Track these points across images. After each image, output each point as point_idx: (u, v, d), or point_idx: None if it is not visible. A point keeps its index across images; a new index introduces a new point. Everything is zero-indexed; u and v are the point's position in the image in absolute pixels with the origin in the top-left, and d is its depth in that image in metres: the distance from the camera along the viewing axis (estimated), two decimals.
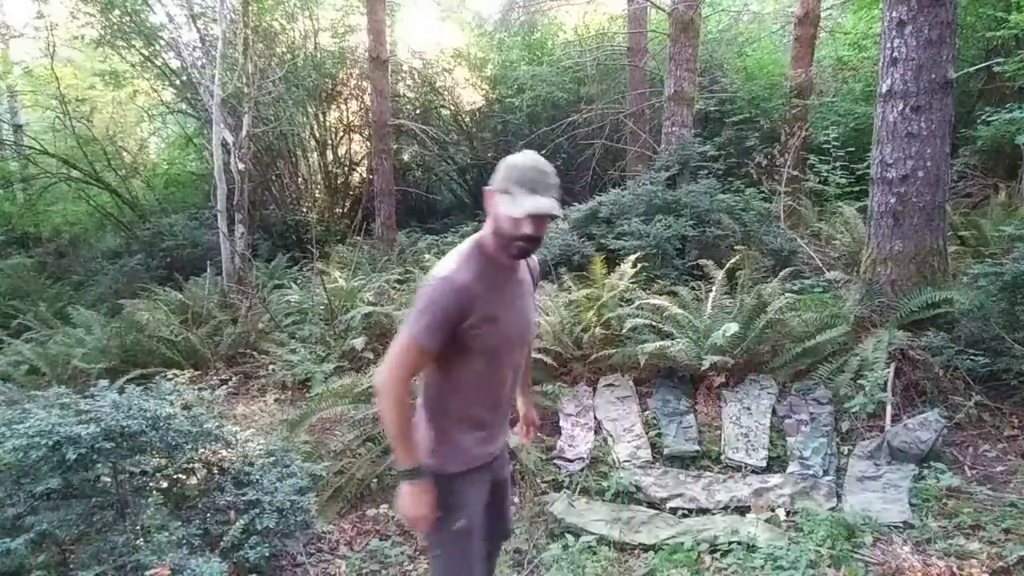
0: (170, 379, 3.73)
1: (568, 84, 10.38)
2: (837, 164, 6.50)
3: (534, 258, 1.97)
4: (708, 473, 3.57)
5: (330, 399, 4.09)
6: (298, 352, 5.30)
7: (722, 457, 3.66)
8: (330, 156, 11.73)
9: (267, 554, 2.77)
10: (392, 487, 3.53)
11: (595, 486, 3.53)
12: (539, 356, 4.23)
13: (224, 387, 4.13)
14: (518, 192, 1.62)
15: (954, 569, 2.60)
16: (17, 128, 12.05)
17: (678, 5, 7.20)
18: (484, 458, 1.88)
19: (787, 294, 4.45)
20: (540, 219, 1.66)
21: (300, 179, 11.54)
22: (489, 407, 1.85)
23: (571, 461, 3.74)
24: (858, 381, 3.74)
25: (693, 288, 4.90)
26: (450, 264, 1.70)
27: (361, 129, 11.77)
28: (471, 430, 1.83)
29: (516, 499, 3.47)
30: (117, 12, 9.66)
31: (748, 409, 3.90)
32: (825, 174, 6.61)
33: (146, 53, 10.16)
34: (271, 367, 5.32)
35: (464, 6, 14.16)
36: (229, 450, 3.11)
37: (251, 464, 3.10)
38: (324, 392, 4.20)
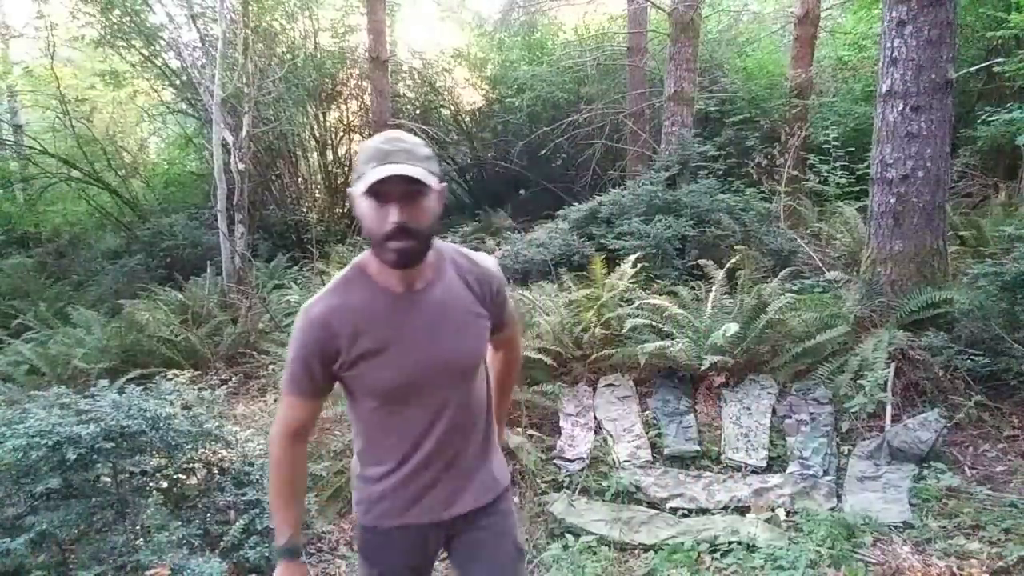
0: (170, 379, 3.73)
1: (568, 84, 10.38)
2: (837, 164, 6.50)
3: (484, 266, 1.52)
4: (708, 473, 3.57)
5: (330, 399, 4.07)
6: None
7: (722, 457, 3.66)
8: (330, 156, 11.73)
9: (267, 554, 2.77)
10: None
11: (595, 486, 3.53)
12: (539, 356, 4.23)
13: (224, 387, 4.13)
14: (364, 171, 1.27)
15: (954, 569, 2.60)
16: (17, 128, 12.04)
17: (678, 5, 7.20)
18: (415, 518, 1.49)
19: (787, 294, 4.45)
20: (403, 202, 1.27)
21: (300, 179, 11.54)
22: (407, 457, 1.45)
23: (571, 461, 3.74)
24: (858, 381, 3.74)
25: (693, 288, 4.90)
26: (321, 292, 1.42)
27: (361, 129, 11.76)
28: (384, 480, 1.47)
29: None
30: (117, 12, 9.65)
31: (748, 409, 3.90)
32: (825, 174, 6.61)
33: (146, 53, 10.16)
34: (271, 367, 5.31)
35: (464, 6, 14.17)
36: (229, 450, 3.11)
37: (251, 464, 3.10)
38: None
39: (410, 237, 1.28)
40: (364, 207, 1.29)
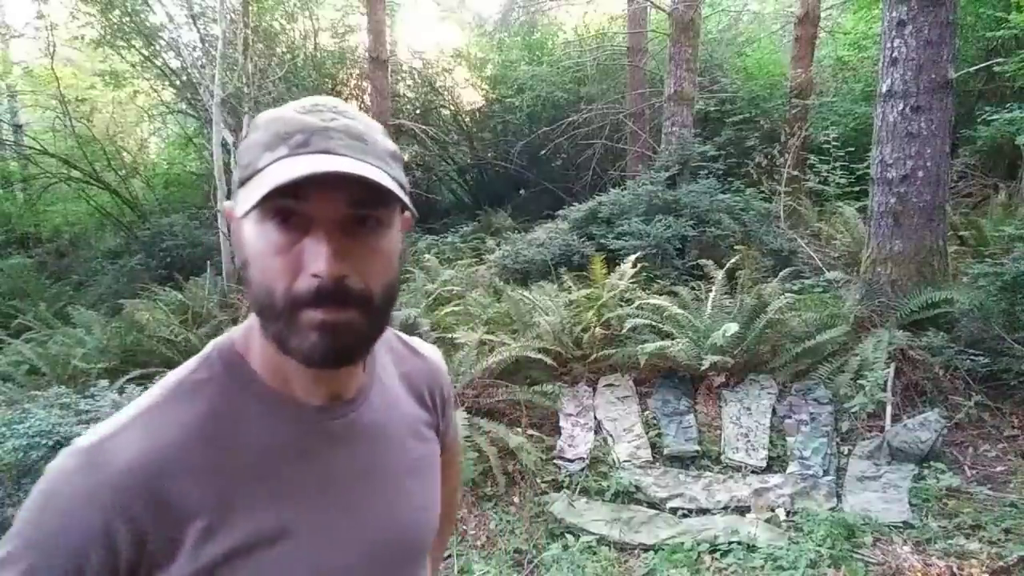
0: None
1: (568, 84, 10.39)
2: (837, 164, 6.50)
3: (431, 359, 0.93)
4: (708, 473, 3.57)
5: None
6: None
7: (722, 457, 3.66)
8: None
9: None
10: None
11: (595, 486, 3.53)
12: (539, 356, 4.23)
13: None
14: (261, 163, 0.63)
15: (954, 569, 2.60)
16: (17, 128, 12.04)
17: (678, 5, 7.20)
18: None
19: (787, 294, 4.45)
20: (342, 234, 0.63)
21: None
22: None
23: (571, 461, 3.74)
24: (858, 381, 3.74)
25: (693, 288, 4.90)
26: (124, 413, 0.70)
27: None
28: None
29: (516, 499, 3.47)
30: (117, 12, 9.65)
31: (748, 409, 3.90)
32: (825, 174, 6.61)
33: (146, 53, 10.16)
34: None
35: (464, 6, 14.18)
36: None
37: None
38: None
39: (350, 306, 0.63)
40: (253, 239, 0.64)
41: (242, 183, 0.64)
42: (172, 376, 0.71)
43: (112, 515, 0.60)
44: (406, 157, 12.23)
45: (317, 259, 0.61)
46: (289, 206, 0.61)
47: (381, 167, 0.64)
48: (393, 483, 0.77)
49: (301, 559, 0.67)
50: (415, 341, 0.93)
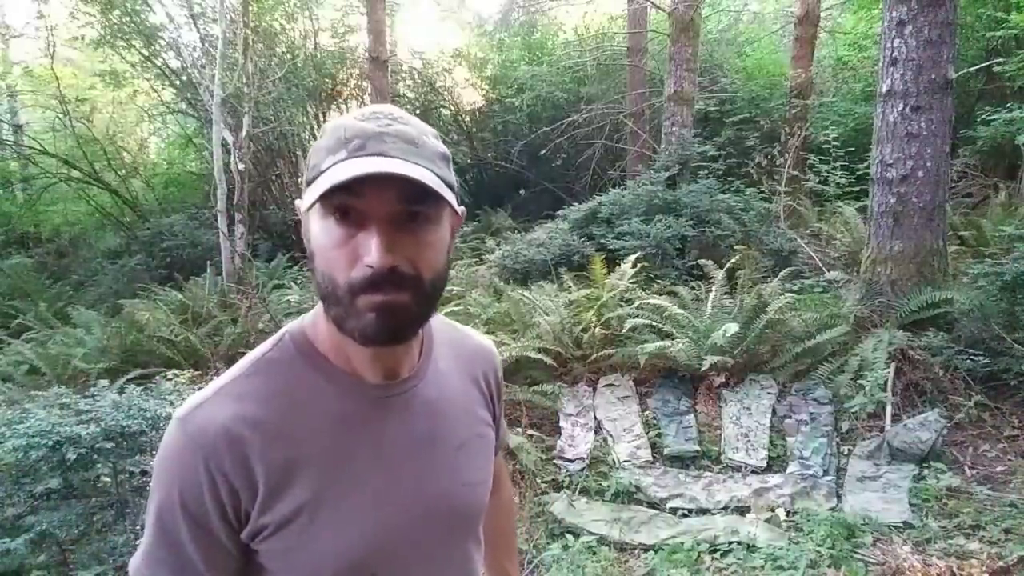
0: (170, 379, 3.73)
1: (568, 84, 10.38)
2: (837, 164, 6.50)
3: (485, 346, 0.99)
4: (708, 473, 3.57)
5: None
6: None
7: (722, 457, 3.66)
8: None
9: None
10: None
11: (595, 486, 3.53)
12: (539, 356, 4.23)
13: None
14: (324, 166, 0.70)
15: (954, 569, 2.60)
16: (17, 128, 12.04)
17: (678, 5, 7.20)
18: None
19: (787, 294, 4.45)
20: (394, 228, 0.69)
21: (300, 179, 11.54)
22: None
23: (571, 461, 3.74)
24: (858, 381, 3.74)
25: (693, 288, 4.90)
26: (211, 387, 0.78)
27: None
28: None
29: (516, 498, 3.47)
30: (117, 12, 9.66)
31: (748, 409, 3.90)
32: (825, 174, 6.61)
33: (146, 53, 10.16)
34: None
35: (464, 6, 14.18)
36: None
37: None
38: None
39: (403, 289, 0.70)
40: (318, 232, 0.72)
41: (309, 183, 0.72)
42: (250, 355, 0.81)
43: (206, 470, 0.72)
44: None
45: (370, 251, 0.68)
46: (347, 203, 0.69)
47: (430, 168, 0.71)
48: (443, 456, 0.84)
49: (353, 520, 0.76)
50: (469, 329, 1.01)
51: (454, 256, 6.98)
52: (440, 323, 0.94)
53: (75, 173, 10.43)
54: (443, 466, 0.84)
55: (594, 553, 3.02)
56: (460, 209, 0.76)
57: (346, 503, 0.76)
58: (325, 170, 0.69)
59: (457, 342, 0.94)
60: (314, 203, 0.68)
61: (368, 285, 0.69)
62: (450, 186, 0.73)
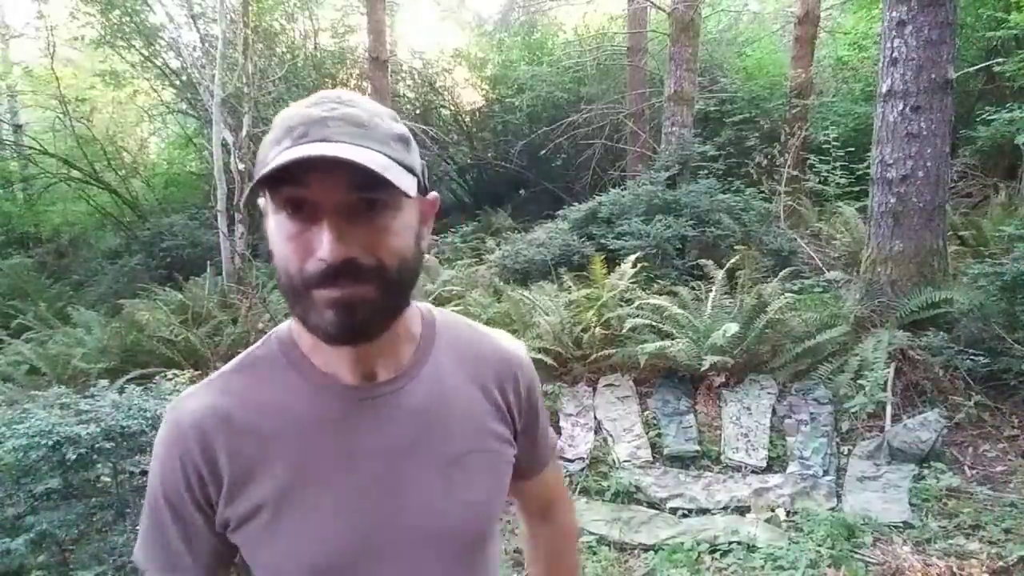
0: (170, 379, 3.73)
1: (568, 84, 10.38)
2: (837, 164, 6.50)
3: (507, 349, 0.87)
4: (708, 473, 3.57)
5: None
6: None
7: (722, 457, 3.66)
8: None
9: None
10: None
11: (595, 486, 3.53)
12: (539, 356, 4.23)
13: None
14: (269, 157, 0.66)
15: (954, 569, 2.60)
16: (17, 128, 12.05)
17: (678, 5, 7.20)
18: None
19: (787, 294, 4.45)
20: (346, 217, 0.65)
21: None
22: None
23: (571, 461, 3.74)
24: (858, 381, 3.74)
25: (693, 288, 4.90)
26: (203, 381, 0.79)
27: None
28: None
29: None
30: (117, 12, 9.66)
31: (748, 409, 3.90)
32: (825, 174, 6.61)
33: (146, 53, 10.17)
34: None
35: (464, 6, 14.18)
36: None
37: None
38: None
39: (363, 281, 0.66)
40: (272, 228, 0.69)
41: (253, 178, 0.66)
42: (244, 352, 0.81)
43: (180, 459, 0.73)
44: None
45: (322, 243, 0.64)
46: (296, 195, 0.64)
47: (381, 151, 0.65)
48: (430, 468, 0.77)
49: (318, 523, 0.72)
50: (492, 332, 0.89)
51: (455, 256, 6.99)
52: (452, 321, 0.86)
53: (75, 173, 10.44)
54: (429, 479, 0.76)
55: (594, 553, 3.02)
56: (432, 195, 0.74)
57: (307, 506, 0.72)
58: (269, 163, 0.63)
59: (469, 343, 0.85)
60: (249, 197, 0.67)
61: (323, 279, 0.65)
62: (410, 168, 0.68)
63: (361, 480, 0.74)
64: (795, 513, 3.18)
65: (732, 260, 4.86)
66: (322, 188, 0.63)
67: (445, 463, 0.77)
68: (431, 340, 0.81)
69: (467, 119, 12.07)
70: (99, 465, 2.56)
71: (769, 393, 4.00)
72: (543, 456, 0.93)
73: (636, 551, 3.06)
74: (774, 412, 3.89)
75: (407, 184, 0.64)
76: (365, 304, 0.66)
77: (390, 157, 0.65)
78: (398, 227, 0.68)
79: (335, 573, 0.74)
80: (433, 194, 0.74)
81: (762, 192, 6.64)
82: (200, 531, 0.75)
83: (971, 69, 6.44)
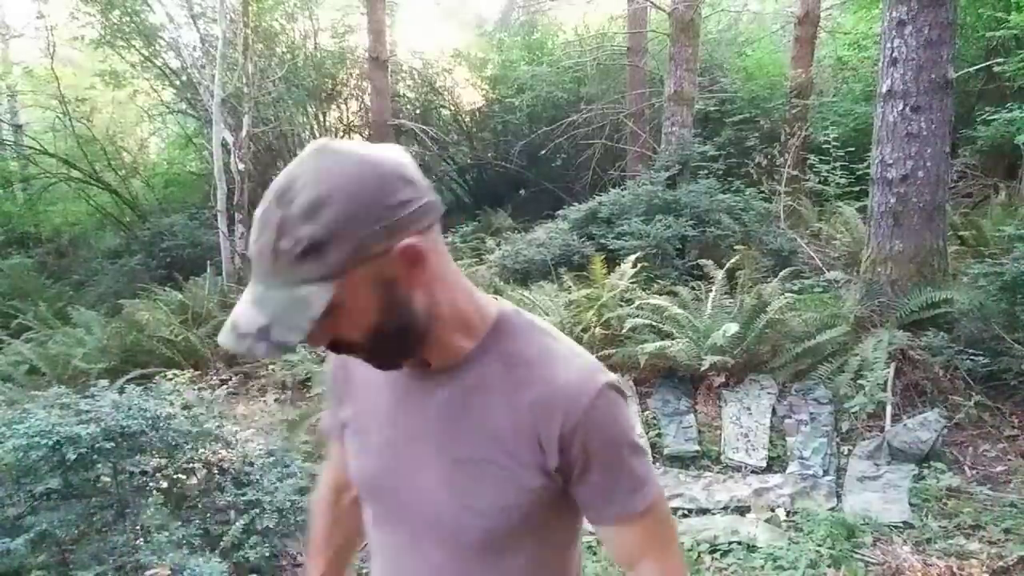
0: (170, 379, 3.73)
1: (568, 84, 10.38)
2: (837, 164, 6.50)
3: (559, 383, 0.81)
4: (708, 473, 3.57)
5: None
6: (298, 352, 5.30)
7: (722, 457, 3.66)
8: None
9: (267, 554, 2.77)
10: None
11: None
12: None
13: (224, 387, 4.13)
14: None
15: (954, 569, 2.60)
16: (17, 128, 12.04)
17: (678, 5, 7.20)
18: None
19: (787, 294, 4.45)
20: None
21: None
22: None
23: None
24: (858, 381, 3.74)
25: (693, 288, 4.90)
26: None
27: (361, 129, 11.77)
28: None
29: None
30: (117, 12, 9.66)
31: (748, 409, 3.90)
32: (825, 174, 6.61)
33: (146, 53, 10.17)
34: (271, 367, 5.32)
35: (464, 6, 14.18)
36: (229, 450, 3.11)
37: (251, 464, 3.10)
38: (324, 392, 4.20)
39: (352, 350, 0.77)
40: None
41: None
42: None
43: (333, 367, 1.00)
44: None
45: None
46: None
47: (281, 287, 0.70)
48: (439, 461, 0.84)
49: (366, 449, 0.92)
50: (568, 360, 0.83)
51: (455, 256, 6.98)
52: (526, 332, 0.85)
53: (75, 173, 10.43)
54: (435, 470, 0.84)
55: (594, 553, 3.02)
56: (403, 244, 0.70)
57: (360, 439, 0.92)
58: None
59: (526, 361, 0.82)
60: None
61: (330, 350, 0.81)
62: (323, 243, 0.67)
63: (397, 442, 0.87)
64: (795, 513, 3.18)
65: (732, 260, 4.86)
66: None
67: (450, 461, 0.83)
68: (489, 345, 0.84)
69: (467, 119, 12.07)
70: (99, 465, 2.56)
71: (769, 393, 4.00)
72: (610, 510, 0.85)
73: None
74: (774, 412, 3.89)
75: (320, 297, 0.69)
76: (371, 358, 0.80)
77: (290, 283, 0.69)
78: (348, 313, 0.72)
79: (374, 492, 0.92)
80: (407, 242, 0.70)
81: (762, 192, 6.64)
82: (335, 412, 1.01)
83: (971, 69, 6.44)
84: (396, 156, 0.74)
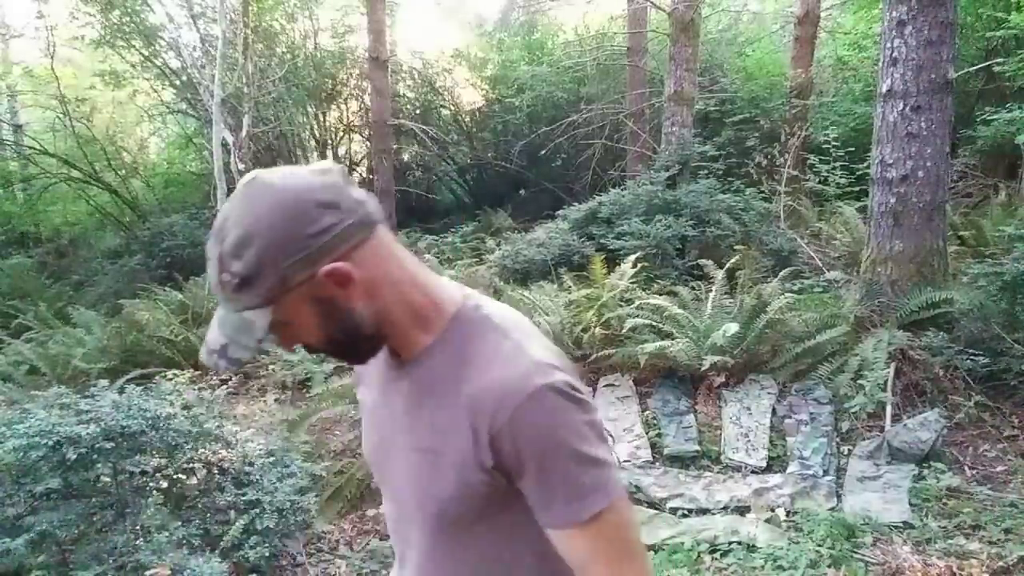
0: (170, 379, 3.73)
1: (568, 84, 10.38)
2: (837, 164, 6.50)
3: (491, 380, 0.80)
4: (708, 473, 3.57)
5: (330, 399, 4.08)
6: (298, 352, 5.30)
7: (722, 457, 3.66)
8: (330, 156, 11.74)
9: (267, 554, 2.77)
10: None
11: None
12: None
13: (224, 387, 4.12)
14: None
15: (954, 569, 2.60)
16: (17, 128, 12.03)
17: (678, 5, 7.20)
18: None
19: (787, 294, 4.45)
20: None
21: None
22: (396, 555, 1.05)
23: None
24: (858, 381, 3.74)
25: (693, 288, 4.90)
26: None
27: (361, 129, 11.79)
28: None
29: None
30: (117, 12, 9.66)
31: (748, 409, 3.90)
32: (825, 174, 6.61)
33: (146, 53, 10.17)
34: (271, 367, 5.31)
35: (464, 6, 14.18)
36: (229, 450, 3.11)
37: (251, 464, 3.10)
38: (324, 392, 4.20)
39: (320, 352, 0.88)
40: None
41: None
42: None
43: None
44: (406, 157, 12.23)
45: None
46: None
47: (232, 308, 0.80)
48: (405, 446, 0.90)
49: (368, 429, 1.01)
50: (511, 356, 0.82)
51: (455, 256, 6.97)
52: (480, 325, 0.86)
53: (75, 173, 10.43)
54: (405, 458, 0.90)
55: None
56: (327, 268, 0.76)
57: (364, 421, 1.02)
58: None
59: (475, 354, 0.84)
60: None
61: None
62: (252, 278, 0.76)
63: (381, 424, 0.96)
64: (795, 513, 3.18)
65: (732, 260, 4.86)
66: None
67: (412, 449, 0.88)
68: (446, 339, 0.86)
69: (467, 119, 12.07)
70: (99, 465, 2.56)
71: (769, 393, 4.00)
72: (546, 516, 0.82)
73: None
74: (774, 412, 3.89)
75: (237, 353, 0.81)
76: (335, 358, 0.93)
77: (234, 309, 0.80)
78: (300, 323, 0.82)
79: (374, 471, 1.01)
80: (330, 267, 0.77)
81: (762, 192, 6.64)
82: None
83: (971, 69, 6.44)
84: (319, 182, 0.78)
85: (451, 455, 0.83)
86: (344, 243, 0.77)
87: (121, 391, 2.86)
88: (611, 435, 3.89)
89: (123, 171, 11.20)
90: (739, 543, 2.96)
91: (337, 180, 0.80)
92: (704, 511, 3.29)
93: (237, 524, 2.76)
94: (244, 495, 2.92)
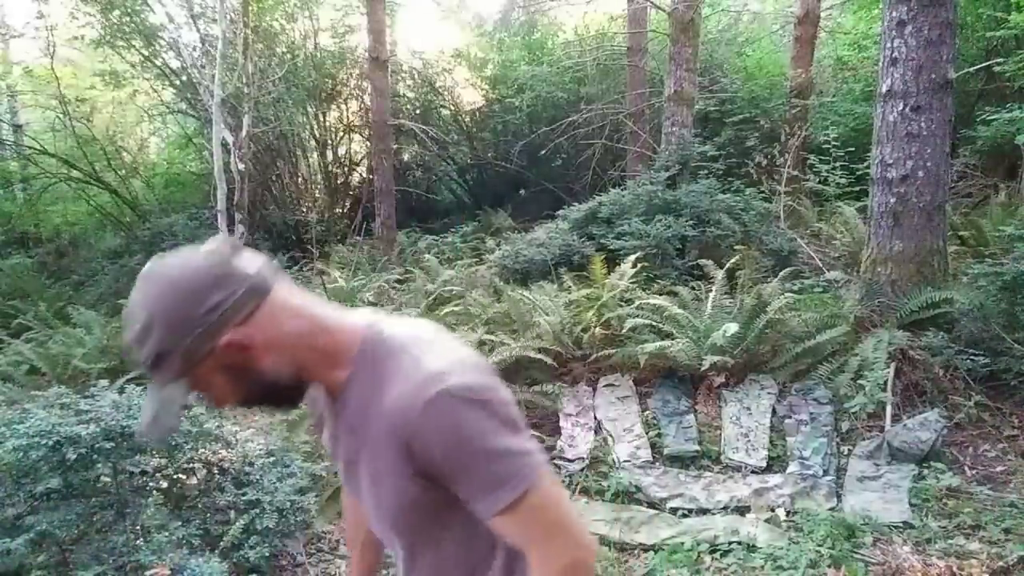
0: None
1: (568, 84, 10.38)
2: (837, 164, 6.50)
3: (390, 403, 0.87)
4: (708, 473, 3.57)
5: None
6: None
7: (722, 457, 3.66)
8: (330, 156, 11.74)
9: (267, 554, 2.77)
10: None
11: (595, 486, 3.53)
12: (539, 356, 4.23)
13: None
14: None
15: (954, 569, 2.60)
16: (17, 128, 12.03)
17: (678, 5, 7.20)
18: None
19: (787, 294, 4.45)
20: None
21: (300, 179, 11.54)
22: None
23: (571, 461, 3.73)
24: (858, 381, 3.74)
25: (693, 288, 4.90)
26: None
27: (361, 129, 11.77)
28: None
29: None
30: (117, 12, 9.65)
31: (748, 409, 3.90)
32: (825, 174, 6.61)
33: (146, 53, 10.16)
34: None
35: (464, 6, 14.18)
36: (229, 450, 3.11)
37: (251, 464, 3.10)
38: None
39: (247, 406, 0.96)
40: None
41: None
42: None
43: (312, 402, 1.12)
44: (406, 157, 12.23)
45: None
46: None
47: (155, 391, 0.90)
48: (359, 471, 0.97)
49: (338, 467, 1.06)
50: (408, 373, 0.88)
51: (455, 256, 6.98)
52: (383, 349, 0.93)
53: (75, 173, 10.42)
54: (363, 477, 0.96)
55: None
56: (223, 341, 0.86)
57: (334, 458, 1.06)
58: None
59: (381, 378, 0.90)
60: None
61: None
62: (158, 359, 0.86)
63: (344, 450, 1.01)
64: (795, 513, 3.18)
65: (732, 260, 4.86)
66: None
67: (367, 474, 0.94)
68: (359, 371, 0.94)
69: (467, 119, 12.06)
70: (99, 465, 2.56)
71: (769, 393, 4.00)
72: (477, 509, 0.88)
73: (636, 551, 3.06)
74: (774, 412, 3.89)
75: (168, 422, 0.91)
76: (270, 410, 0.98)
77: (155, 400, 0.90)
78: (217, 390, 0.91)
79: (349, 490, 1.07)
80: (227, 338, 0.86)
81: (762, 192, 6.64)
82: None
83: (971, 69, 6.44)
84: (206, 264, 0.86)
85: (388, 472, 0.90)
86: (238, 313, 0.86)
87: (121, 391, 2.86)
88: (611, 435, 3.89)
89: (123, 171, 11.19)
90: (739, 543, 2.96)
91: (225, 258, 0.87)
92: (704, 511, 3.29)
93: (237, 524, 2.76)
94: (244, 495, 2.92)
